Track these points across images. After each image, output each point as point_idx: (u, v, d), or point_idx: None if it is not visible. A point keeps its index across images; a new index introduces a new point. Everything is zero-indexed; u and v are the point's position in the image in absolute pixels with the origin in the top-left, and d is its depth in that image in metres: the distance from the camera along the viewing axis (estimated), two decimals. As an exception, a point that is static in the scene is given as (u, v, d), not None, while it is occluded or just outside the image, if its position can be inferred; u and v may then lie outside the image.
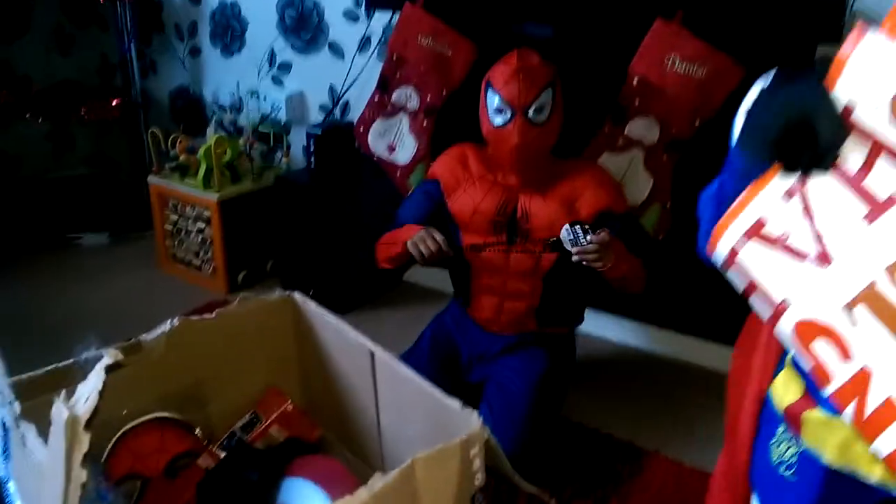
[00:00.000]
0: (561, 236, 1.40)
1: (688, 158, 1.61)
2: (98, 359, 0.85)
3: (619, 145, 1.65)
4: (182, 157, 2.31)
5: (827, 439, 0.69)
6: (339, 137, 2.12)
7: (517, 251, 1.50)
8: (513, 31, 1.81)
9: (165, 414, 1.03)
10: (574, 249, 1.38)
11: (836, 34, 1.42)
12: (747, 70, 1.46)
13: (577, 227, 1.39)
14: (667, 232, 1.66)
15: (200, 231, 2.32)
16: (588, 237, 1.37)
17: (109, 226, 2.71)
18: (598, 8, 1.67)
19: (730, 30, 1.50)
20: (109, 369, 0.63)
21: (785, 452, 0.76)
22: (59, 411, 0.59)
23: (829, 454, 0.69)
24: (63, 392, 0.61)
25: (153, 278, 2.43)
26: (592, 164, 1.59)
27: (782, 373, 0.77)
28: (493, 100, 1.43)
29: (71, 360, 0.90)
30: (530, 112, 1.40)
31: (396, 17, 1.90)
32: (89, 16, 2.95)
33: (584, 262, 1.39)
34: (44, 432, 0.68)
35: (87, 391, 0.60)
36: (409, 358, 1.65)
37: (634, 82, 1.57)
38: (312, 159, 2.12)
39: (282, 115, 2.48)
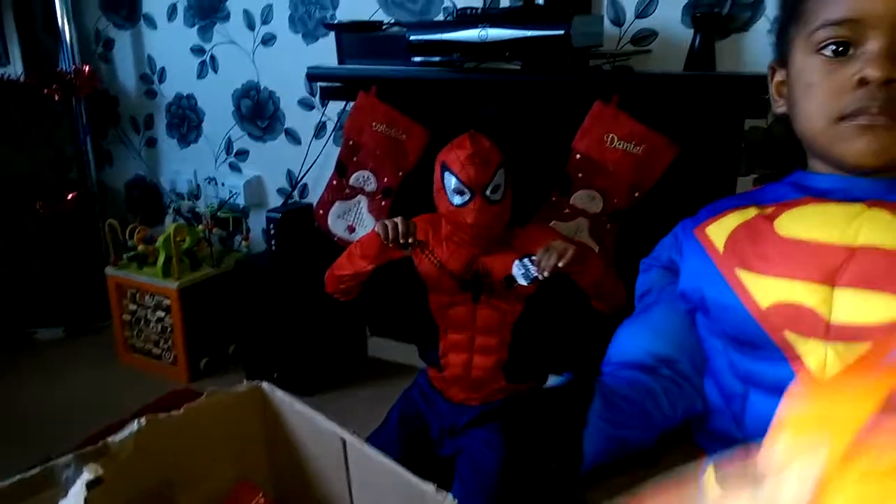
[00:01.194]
0: (513, 274, 1.42)
1: (629, 227, 1.70)
2: (68, 465, 0.85)
3: (565, 213, 1.73)
4: (140, 247, 2.31)
5: None
6: (298, 220, 2.16)
7: (484, 304, 1.56)
8: (462, 113, 1.91)
9: (134, 517, 1.01)
10: (529, 283, 1.39)
11: (762, 111, 1.54)
12: (681, 146, 1.57)
13: (525, 259, 1.40)
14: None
15: (160, 320, 2.30)
16: (539, 265, 1.36)
17: (65, 319, 2.66)
18: (539, 93, 1.78)
19: (664, 110, 1.62)
20: (91, 485, 0.63)
21: None
22: (40, 529, 0.59)
23: None
24: (43, 509, 0.61)
25: (112, 370, 2.38)
26: (542, 224, 1.67)
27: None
28: (451, 181, 1.50)
29: (38, 469, 0.89)
30: (488, 191, 1.48)
31: (350, 104, 1.99)
32: (44, 113, 2.97)
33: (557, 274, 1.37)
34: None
35: (69, 508, 0.60)
36: (378, 437, 1.65)
37: (577, 157, 1.67)
38: (273, 242, 2.15)
39: (240, 200, 2.51)
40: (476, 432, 1.61)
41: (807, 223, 0.62)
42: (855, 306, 0.57)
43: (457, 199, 1.51)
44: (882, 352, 0.37)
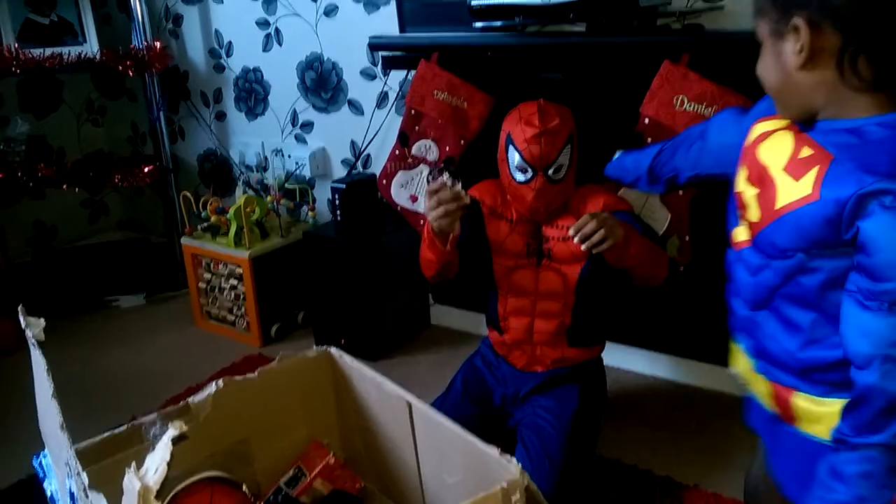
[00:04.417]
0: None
1: (705, 193, 1.64)
2: (154, 423, 0.90)
3: (635, 181, 1.69)
4: (213, 218, 2.40)
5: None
6: (362, 190, 2.19)
7: (545, 268, 1.57)
8: (525, 79, 1.88)
9: (214, 473, 1.07)
10: (576, 238, 1.39)
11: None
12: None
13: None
14: (688, 263, 1.69)
15: (233, 288, 2.38)
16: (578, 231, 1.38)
17: (145, 287, 2.79)
18: (605, 56, 1.73)
19: (738, 71, 1.54)
20: (176, 440, 0.67)
21: None
22: (131, 482, 0.63)
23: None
24: (133, 463, 0.66)
25: (190, 335, 2.50)
26: (592, 185, 1.63)
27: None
28: (515, 157, 1.49)
29: (126, 426, 0.95)
30: (550, 171, 1.47)
31: (412, 73, 1.98)
32: (119, 88, 3.10)
33: (592, 249, 1.39)
34: (109, 500, 0.72)
35: (156, 462, 0.64)
36: (442, 403, 1.68)
37: (646, 122, 1.62)
38: (338, 212, 2.18)
39: (306, 172, 2.56)
40: (539, 399, 1.62)
41: (768, 149, 0.87)
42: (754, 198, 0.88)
43: (519, 176, 1.50)
44: None
